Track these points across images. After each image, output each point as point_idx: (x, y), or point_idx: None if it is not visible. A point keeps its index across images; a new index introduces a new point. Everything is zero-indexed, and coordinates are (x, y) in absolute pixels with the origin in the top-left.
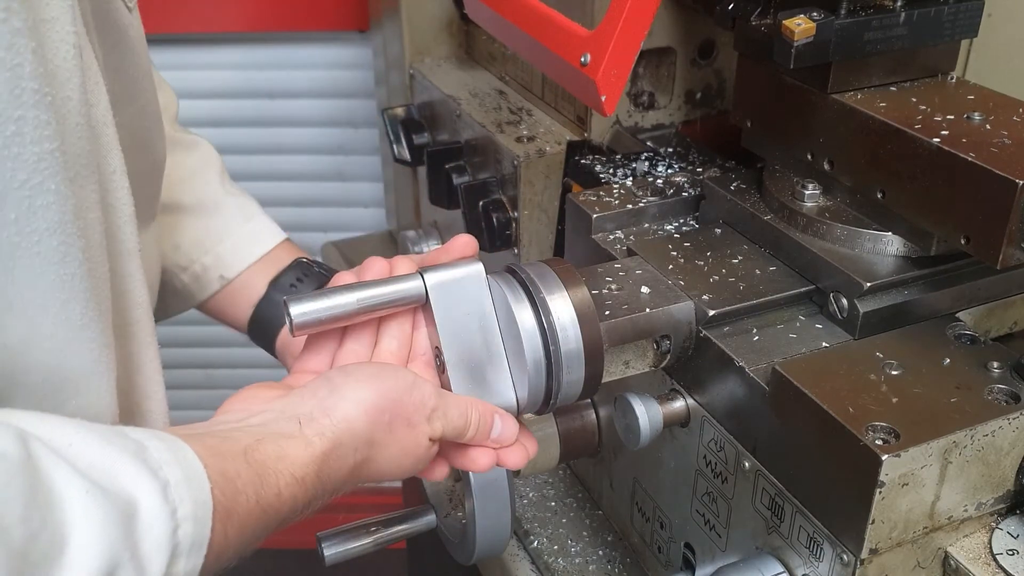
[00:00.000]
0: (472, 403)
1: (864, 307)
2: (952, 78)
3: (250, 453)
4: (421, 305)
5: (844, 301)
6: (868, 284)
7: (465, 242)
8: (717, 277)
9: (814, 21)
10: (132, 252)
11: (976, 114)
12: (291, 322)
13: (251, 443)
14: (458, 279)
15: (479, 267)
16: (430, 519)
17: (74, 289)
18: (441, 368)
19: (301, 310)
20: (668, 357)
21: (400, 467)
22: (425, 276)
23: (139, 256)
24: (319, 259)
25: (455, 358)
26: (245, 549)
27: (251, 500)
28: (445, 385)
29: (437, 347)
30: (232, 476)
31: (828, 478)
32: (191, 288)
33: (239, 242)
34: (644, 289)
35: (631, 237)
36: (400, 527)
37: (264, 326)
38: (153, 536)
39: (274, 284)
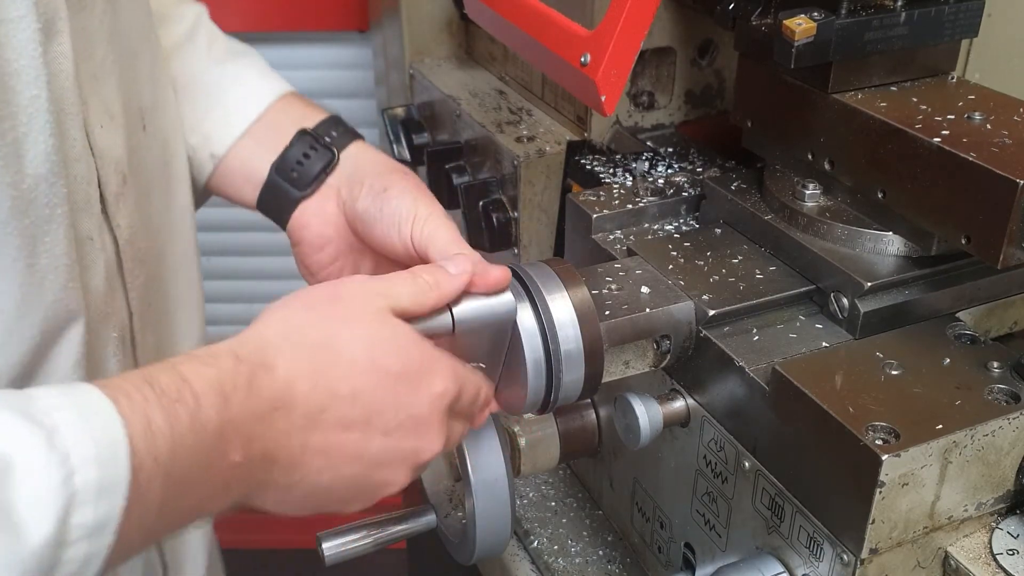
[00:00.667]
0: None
1: (865, 307)
2: (952, 78)
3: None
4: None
5: (845, 301)
6: (869, 284)
7: (499, 278)
8: (717, 277)
9: (815, 21)
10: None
11: (977, 114)
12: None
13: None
14: (486, 313)
15: (511, 304)
16: (430, 519)
17: None
18: None
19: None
20: (668, 357)
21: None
22: (454, 311)
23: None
24: (327, 116)
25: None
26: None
27: (184, 421)
28: None
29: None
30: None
31: (828, 478)
32: (192, 174)
33: (223, 113)
34: (644, 289)
35: (631, 237)
36: (400, 527)
37: (273, 212)
38: (31, 493)
39: (277, 166)
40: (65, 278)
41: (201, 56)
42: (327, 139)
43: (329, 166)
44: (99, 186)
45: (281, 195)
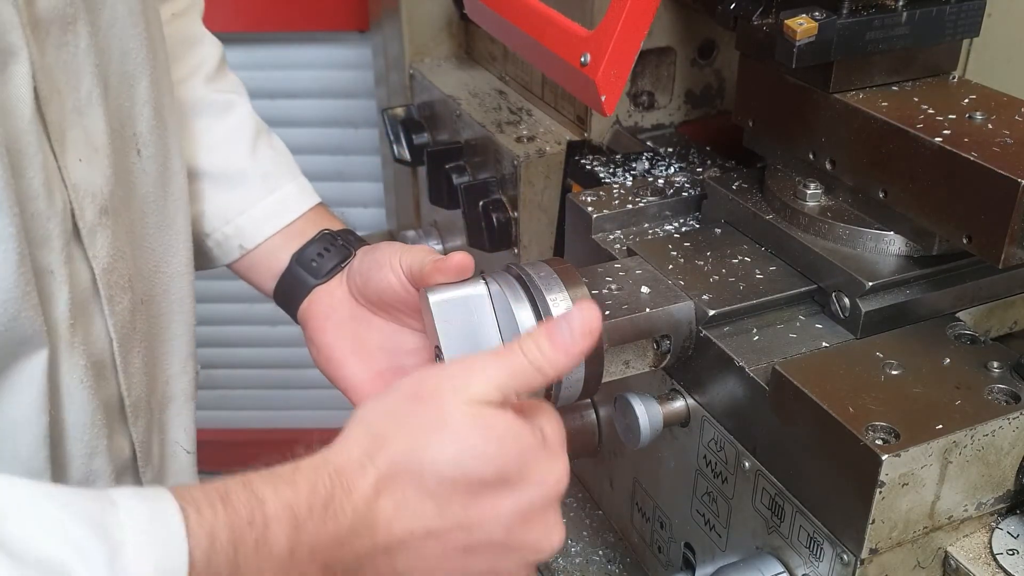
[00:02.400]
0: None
1: (866, 306)
2: (954, 78)
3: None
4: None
5: (846, 300)
6: (870, 283)
7: (461, 263)
8: (717, 277)
9: (816, 21)
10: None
11: (978, 114)
12: None
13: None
14: (463, 298)
15: (482, 288)
16: None
17: None
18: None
19: None
20: (668, 357)
21: None
22: (429, 294)
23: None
24: (346, 227)
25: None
26: None
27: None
28: None
29: (437, 346)
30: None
31: (828, 478)
32: (214, 252)
33: (260, 214)
34: (644, 289)
35: (631, 237)
36: None
37: (287, 298)
38: None
39: (297, 257)
40: (15, 310)
41: (243, 153)
42: (343, 241)
43: (345, 261)
44: (73, 218)
45: (297, 283)
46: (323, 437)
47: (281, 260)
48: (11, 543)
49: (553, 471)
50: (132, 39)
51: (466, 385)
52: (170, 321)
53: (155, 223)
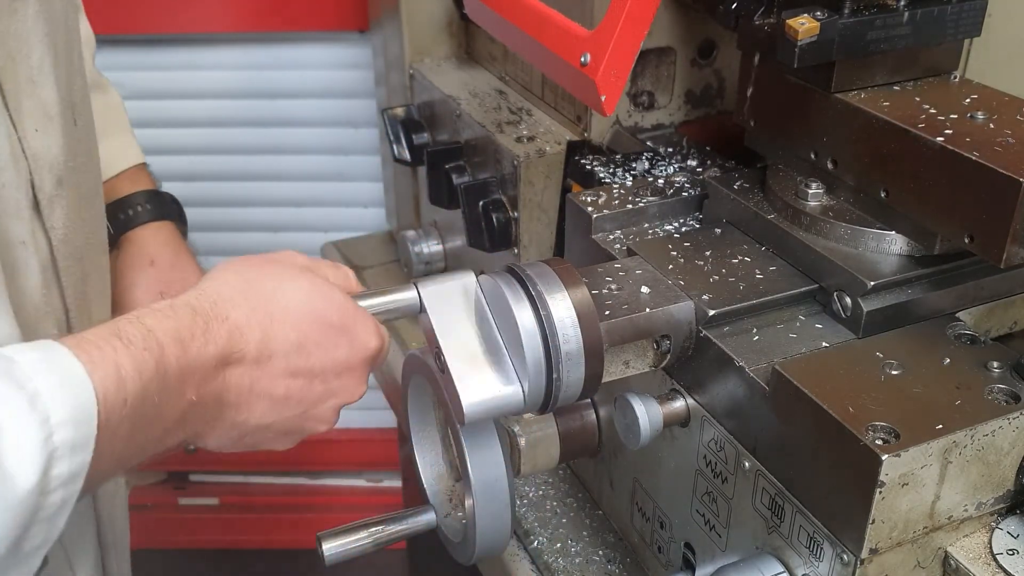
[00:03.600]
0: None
1: (868, 306)
2: (955, 77)
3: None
4: (418, 315)
5: (848, 300)
6: (872, 283)
7: None
8: (717, 277)
9: (818, 20)
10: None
11: (979, 113)
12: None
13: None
14: (451, 288)
15: (471, 277)
16: (430, 519)
17: None
18: (443, 368)
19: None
20: (668, 357)
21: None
22: (419, 286)
23: None
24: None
25: (454, 356)
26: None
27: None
28: (447, 383)
29: (437, 349)
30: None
31: (828, 478)
32: None
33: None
34: (644, 289)
35: (631, 237)
36: (400, 527)
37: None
38: (18, 449)
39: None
40: None
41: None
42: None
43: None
44: (32, 189)
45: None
46: (324, 437)
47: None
48: None
49: (372, 337)
50: (70, 8)
51: (308, 263)
52: (101, 293)
53: (90, 192)
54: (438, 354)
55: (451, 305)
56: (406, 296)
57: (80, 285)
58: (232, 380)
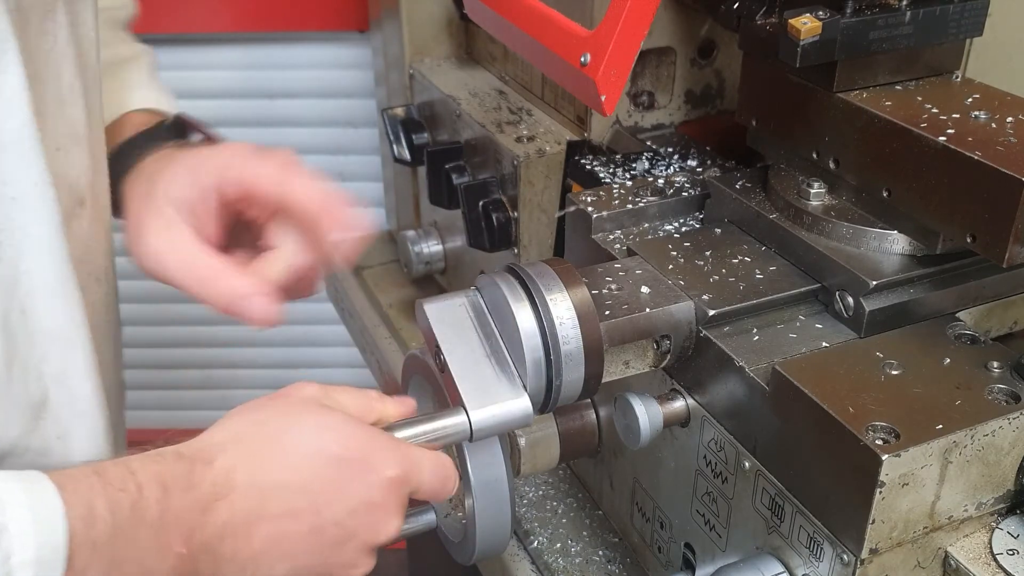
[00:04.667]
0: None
1: (870, 305)
2: (957, 77)
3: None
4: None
5: (850, 299)
6: (874, 283)
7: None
8: (717, 277)
9: (820, 20)
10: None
11: (981, 113)
12: None
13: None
14: (454, 305)
15: (474, 295)
16: (430, 519)
17: None
18: (442, 367)
19: None
20: (668, 357)
21: None
22: (424, 304)
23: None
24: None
25: (456, 360)
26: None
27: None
28: (448, 385)
29: (437, 346)
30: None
31: (828, 478)
32: None
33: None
34: (644, 289)
35: (631, 237)
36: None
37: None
38: None
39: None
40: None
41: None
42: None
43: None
44: (58, 207)
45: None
46: None
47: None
48: None
49: (388, 465)
50: (93, 27)
51: (319, 394)
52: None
53: (106, 211)
54: (437, 352)
55: (452, 318)
56: (454, 422)
57: (99, 307)
58: (225, 528)
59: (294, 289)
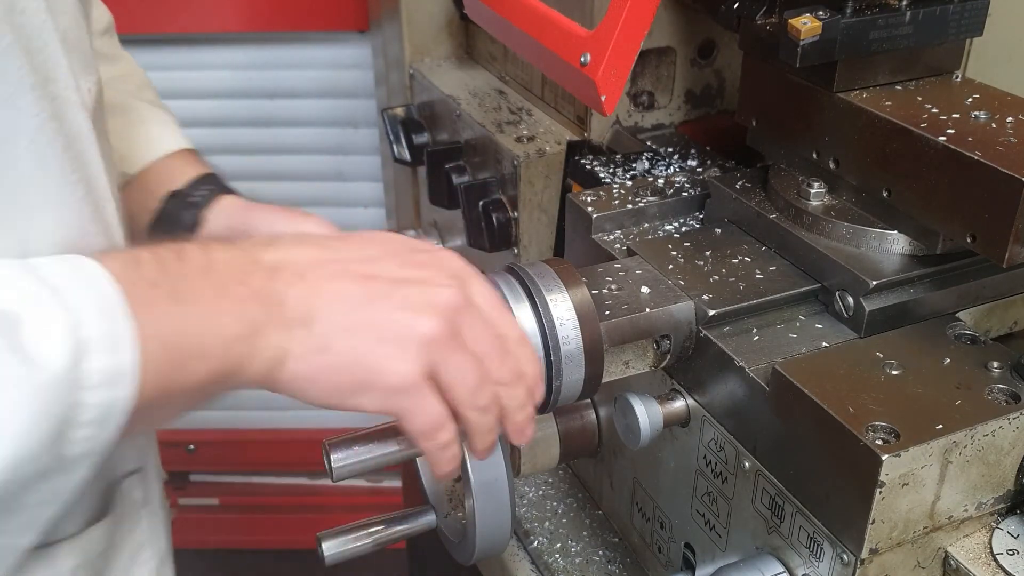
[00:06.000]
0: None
1: (870, 305)
2: (957, 77)
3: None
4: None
5: (850, 299)
6: (874, 282)
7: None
8: (717, 277)
9: (820, 20)
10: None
11: (981, 113)
12: (331, 469)
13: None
14: None
15: None
16: (430, 519)
17: None
18: None
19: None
20: (668, 357)
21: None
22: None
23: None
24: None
25: None
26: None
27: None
28: None
29: None
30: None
31: (828, 478)
32: None
33: (141, 142)
34: (644, 289)
35: (631, 237)
36: (400, 527)
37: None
38: (42, 335)
39: (173, 196)
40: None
41: (130, 92)
42: (194, 198)
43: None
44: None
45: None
46: (324, 437)
47: (155, 196)
48: None
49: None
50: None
51: None
52: None
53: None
54: None
55: None
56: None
57: None
58: (275, 266)
59: None
